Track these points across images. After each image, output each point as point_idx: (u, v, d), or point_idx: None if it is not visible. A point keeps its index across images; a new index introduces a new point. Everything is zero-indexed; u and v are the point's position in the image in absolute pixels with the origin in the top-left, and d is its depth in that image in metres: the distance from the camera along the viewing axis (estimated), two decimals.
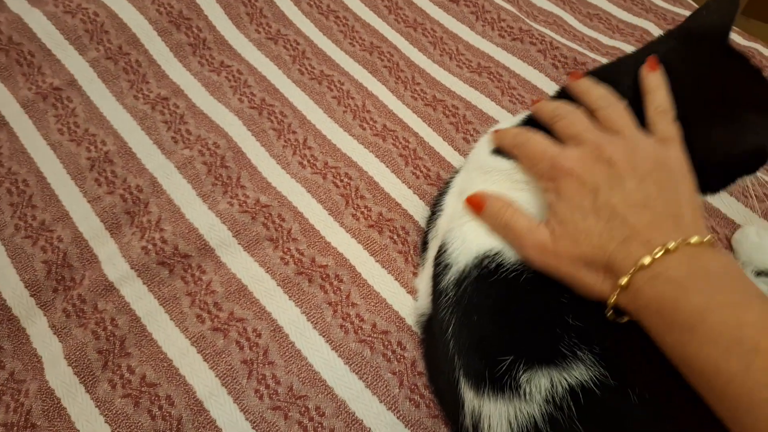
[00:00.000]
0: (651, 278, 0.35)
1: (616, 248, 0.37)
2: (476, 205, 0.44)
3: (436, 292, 0.45)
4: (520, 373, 0.37)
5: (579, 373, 0.36)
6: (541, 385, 0.37)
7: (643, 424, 0.35)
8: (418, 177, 0.61)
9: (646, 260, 0.35)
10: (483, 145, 0.49)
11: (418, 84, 0.70)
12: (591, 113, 0.44)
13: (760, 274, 0.55)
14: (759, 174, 0.63)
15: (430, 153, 0.63)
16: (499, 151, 0.47)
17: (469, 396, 0.40)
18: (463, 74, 0.71)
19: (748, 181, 0.46)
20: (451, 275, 0.43)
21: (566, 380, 0.36)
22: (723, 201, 0.61)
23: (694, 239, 0.36)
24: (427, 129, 0.65)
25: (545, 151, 0.41)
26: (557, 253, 0.39)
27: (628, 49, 0.77)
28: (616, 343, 0.38)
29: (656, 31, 0.80)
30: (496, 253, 0.42)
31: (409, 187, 0.60)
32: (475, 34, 0.76)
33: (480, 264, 0.42)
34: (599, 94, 0.44)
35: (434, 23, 0.77)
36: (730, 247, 0.58)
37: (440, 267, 0.45)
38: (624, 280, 0.36)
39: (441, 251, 0.46)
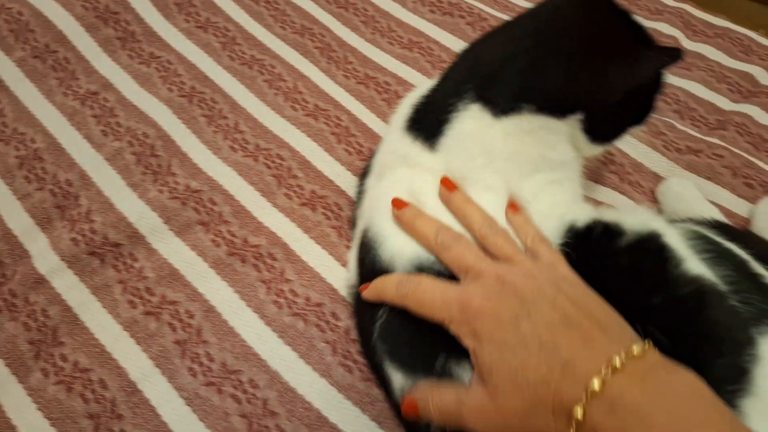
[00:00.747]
0: (609, 409, 0.32)
1: (560, 378, 0.34)
2: (408, 407, 0.40)
3: (365, 276, 0.46)
4: (451, 362, 0.40)
5: None
6: (461, 372, 0.39)
7: None
8: (350, 154, 0.63)
9: (596, 384, 0.32)
10: (399, 118, 0.50)
11: (351, 63, 0.71)
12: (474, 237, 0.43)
13: (699, 223, 0.57)
14: (678, 125, 0.66)
15: (362, 129, 0.65)
16: (415, 128, 0.47)
17: (397, 377, 0.42)
18: (395, 51, 0.73)
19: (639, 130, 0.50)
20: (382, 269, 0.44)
21: None
22: (648, 156, 0.63)
23: (635, 350, 0.34)
24: (359, 106, 0.67)
25: (445, 294, 0.39)
26: (502, 412, 0.35)
27: None
28: None
29: None
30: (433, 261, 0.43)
31: (342, 164, 0.62)
32: (406, 11, 0.77)
33: (418, 261, 0.43)
34: (482, 218, 0.43)
35: (366, 2, 0.78)
36: (655, 200, 0.61)
37: (371, 252, 0.46)
38: (579, 412, 0.32)
39: (369, 238, 0.46)
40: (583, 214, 0.44)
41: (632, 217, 0.44)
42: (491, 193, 0.44)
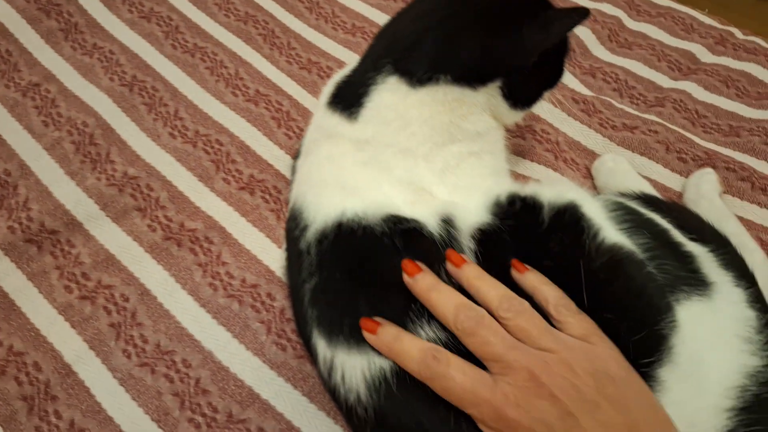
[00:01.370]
0: None
1: None
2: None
3: (296, 252, 0.46)
4: None
5: (432, 334, 0.39)
6: None
7: None
8: (291, 138, 0.64)
9: None
10: (323, 96, 0.51)
11: (294, 49, 0.72)
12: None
13: (624, 195, 0.59)
14: (616, 103, 0.68)
15: (304, 113, 0.66)
16: (337, 103, 0.48)
17: (321, 345, 0.43)
18: (338, 36, 0.74)
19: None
20: (311, 235, 0.45)
21: (428, 335, 0.39)
22: (583, 133, 0.65)
23: None
24: (301, 91, 0.68)
25: (476, 390, 0.36)
26: None
27: None
28: None
29: None
30: (355, 216, 0.43)
31: (281, 148, 0.63)
32: None
33: (340, 226, 0.43)
34: (499, 296, 0.39)
35: None
36: (590, 177, 0.63)
37: (297, 228, 0.47)
38: None
39: (296, 212, 0.47)
40: (503, 188, 0.45)
41: (549, 189, 0.45)
42: (407, 156, 0.45)
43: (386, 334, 0.38)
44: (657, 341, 0.38)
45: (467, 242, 0.42)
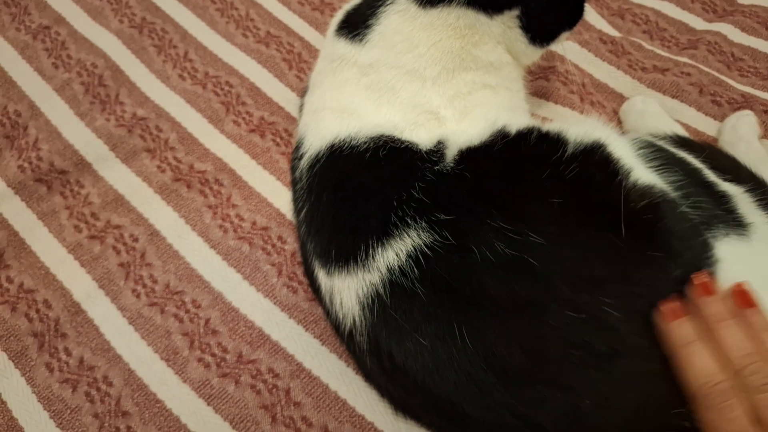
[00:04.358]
0: None
1: None
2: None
3: (293, 181, 0.44)
4: (364, 247, 0.36)
5: (419, 239, 0.35)
6: (385, 256, 0.35)
7: (484, 277, 0.34)
8: (302, 80, 0.59)
9: None
10: (332, 25, 0.46)
11: None
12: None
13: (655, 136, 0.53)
14: (646, 45, 0.60)
15: (316, 55, 0.60)
16: (345, 28, 0.44)
17: (321, 275, 0.40)
18: None
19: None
20: (306, 161, 0.42)
21: (407, 247, 0.35)
22: (611, 75, 0.58)
23: None
24: (313, 33, 0.62)
25: None
26: None
27: None
28: (463, 206, 0.36)
29: None
30: (347, 136, 0.40)
31: (293, 90, 0.58)
32: None
33: (332, 147, 0.40)
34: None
35: None
36: (618, 122, 0.56)
37: (296, 158, 0.44)
38: None
39: (298, 143, 0.44)
40: (517, 121, 0.40)
41: (576, 126, 0.40)
42: (414, 78, 0.40)
43: (683, 333, 0.32)
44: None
45: (451, 159, 0.37)
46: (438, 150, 0.38)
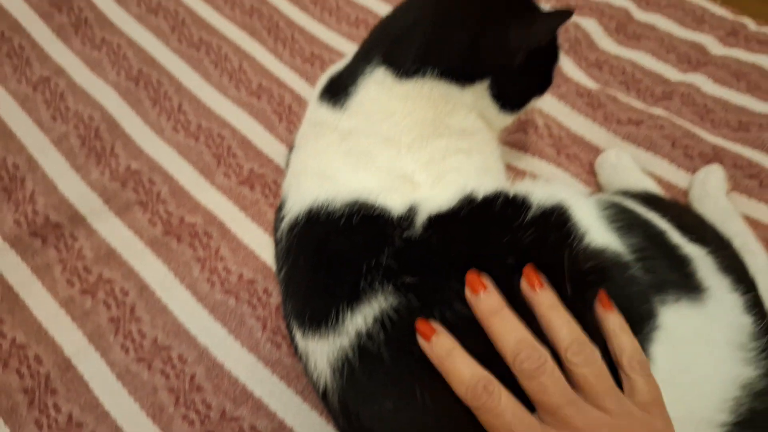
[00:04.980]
0: None
1: None
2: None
3: (275, 241, 0.44)
4: (335, 312, 0.36)
5: (386, 303, 0.35)
6: (354, 320, 0.36)
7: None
8: (291, 132, 0.59)
9: None
10: (316, 89, 0.47)
11: (297, 42, 0.67)
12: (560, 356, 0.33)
13: (624, 194, 0.53)
14: (622, 96, 0.61)
15: (305, 107, 0.60)
16: (326, 94, 0.45)
17: (298, 336, 0.40)
18: (342, 28, 0.68)
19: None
20: (285, 224, 0.42)
21: (375, 312, 0.35)
22: (587, 127, 0.59)
23: None
24: (304, 85, 0.63)
25: None
26: None
27: None
28: (428, 270, 0.37)
29: None
30: (324, 201, 0.40)
31: (282, 142, 0.58)
32: None
33: (309, 212, 0.40)
34: (571, 338, 0.33)
35: None
36: (594, 172, 0.57)
37: (278, 219, 0.44)
38: None
39: (281, 204, 0.45)
40: (486, 185, 0.40)
41: (542, 188, 0.40)
42: (390, 145, 0.41)
43: (440, 346, 0.33)
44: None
45: (420, 226, 0.37)
46: (409, 216, 0.38)
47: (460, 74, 0.41)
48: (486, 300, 0.33)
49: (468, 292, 0.34)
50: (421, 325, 0.33)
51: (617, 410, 0.31)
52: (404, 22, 0.43)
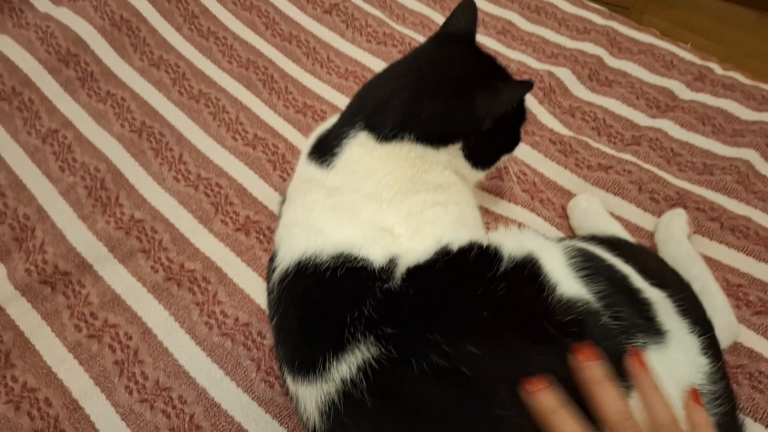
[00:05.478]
0: None
1: None
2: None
3: (267, 290, 0.48)
4: (322, 360, 0.40)
5: (368, 353, 0.39)
6: (339, 368, 0.40)
7: (422, 387, 0.38)
8: (285, 180, 0.64)
9: None
10: (305, 147, 0.51)
11: (291, 93, 0.73)
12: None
13: (591, 239, 0.58)
14: (593, 142, 0.66)
15: (298, 156, 0.66)
16: (315, 153, 0.49)
17: (289, 381, 0.44)
18: (332, 80, 0.74)
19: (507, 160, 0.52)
20: (277, 275, 0.46)
21: (358, 361, 0.39)
22: (559, 173, 0.64)
23: None
24: (296, 134, 0.68)
25: None
26: None
27: (487, 41, 0.80)
28: (406, 321, 0.41)
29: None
30: (312, 253, 0.44)
31: (276, 190, 0.63)
32: (345, 41, 0.78)
33: (299, 264, 0.44)
34: (668, 418, 0.36)
35: (308, 34, 0.79)
36: (566, 216, 0.62)
37: (271, 269, 0.48)
38: None
39: (273, 254, 0.49)
40: (461, 237, 0.45)
41: (512, 239, 0.45)
42: (372, 201, 0.45)
43: (547, 401, 0.35)
44: None
45: (399, 278, 0.42)
46: (389, 268, 0.42)
47: (434, 138, 0.46)
48: (594, 369, 0.36)
49: (577, 360, 0.36)
50: (532, 381, 0.36)
51: None
52: (384, 91, 0.48)
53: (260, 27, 0.80)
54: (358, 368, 0.39)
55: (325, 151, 0.48)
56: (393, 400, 0.38)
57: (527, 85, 0.46)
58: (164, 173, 0.64)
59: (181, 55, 0.76)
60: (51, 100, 0.71)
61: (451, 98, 0.46)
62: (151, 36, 0.77)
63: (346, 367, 0.39)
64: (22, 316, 0.54)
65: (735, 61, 0.84)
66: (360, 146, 0.47)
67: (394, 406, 0.38)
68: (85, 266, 0.57)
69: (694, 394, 0.38)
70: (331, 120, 0.52)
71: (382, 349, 0.39)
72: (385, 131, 0.46)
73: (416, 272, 0.42)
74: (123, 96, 0.71)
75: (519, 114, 0.51)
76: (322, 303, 0.43)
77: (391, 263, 0.43)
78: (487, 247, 0.44)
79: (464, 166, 0.49)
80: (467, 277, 0.42)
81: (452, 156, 0.48)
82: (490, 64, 0.49)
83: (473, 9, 0.51)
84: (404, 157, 0.46)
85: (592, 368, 0.36)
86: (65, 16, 0.77)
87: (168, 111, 0.70)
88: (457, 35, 0.50)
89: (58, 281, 0.56)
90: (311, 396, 0.41)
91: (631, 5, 1.59)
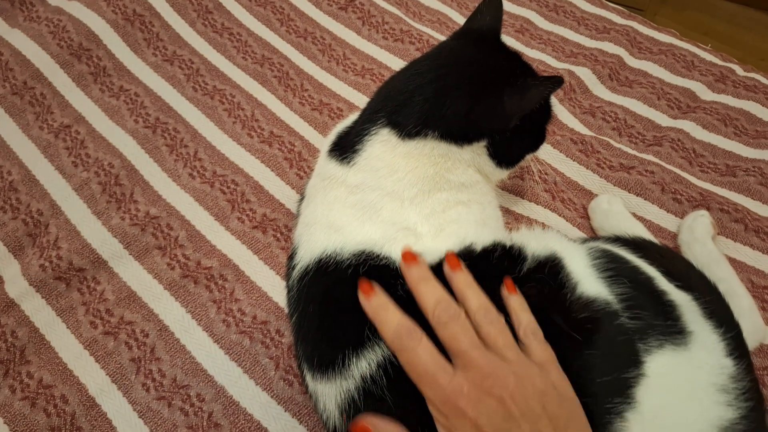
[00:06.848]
0: None
1: None
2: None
3: (286, 287, 0.49)
4: (342, 357, 0.42)
5: (388, 351, 0.40)
6: (360, 365, 0.41)
7: None
8: (302, 177, 0.66)
9: None
10: (325, 145, 0.53)
11: (306, 90, 0.74)
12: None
13: (615, 240, 0.59)
14: (614, 142, 0.68)
15: (314, 154, 0.68)
16: (335, 150, 0.51)
17: (308, 378, 0.45)
18: (349, 78, 0.76)
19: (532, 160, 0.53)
20: (297, 273, 0.47)
21: (378, 357, 0.41)
22: (581, 174, 0.65)
23: None
24: (312, 132, 0.70)
25: (435, 374, 0.38)
26: None
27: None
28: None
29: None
30: (333, 251, 0.46)
31: (293, 188, 0.65)
32: (361, 38, 0.80)
33: (319, 261, 0.46)
34: (479, 304, 0.41)
35: (324, 31, 0.81)
36: (587, 216, 0.63)
37: (290, 267, 0.50)
38: None
39: (292, 252, 0.50)
40: (484, 238, 0.46)
41: (536, 240, 0.46)
42: (393, 199, 0.46)
43: (377, 300, 0.41)
44: (623, 387, 0.39)
45: None
46: None
47: (459, 136, 0.47)
48: (415, 271, 0.42)
49: (402, 264, 0.42)
50: (362, 283, 0.42)
51: (516, 360, 0.39)
52: (407, 86, 0.49)
53: (275, 23, 0.82)
54: (378, 365, 0.40)
55: (345, 148, 0.50)
56: (414, 396, 0.39)
57: (557, 81, 0.47)
58: (179, 170, 0.66)
59: (195, 51, 0.78)
60: (63, 95, 0.73)
61: (478, 95, 0.47)
62: (164, 31, 0.79)
63: (365, 363, 0.41)
64: (37, 312, 0.56)
65: (750, 65, 0.85)
66: (382, 143, 0.48)
67: (414, 401, 0.39)
68: (100, 262, 0.59)
69: (507, 285, 0.42)
70: (352, 117, 0.54)
71: None
72: (408, 128, 0.47)
73: (439, 272, 0.43)
74: (136, 91, 0.73)
75: (545, 112, 0.52)
76: (343, 301, 0.44)
77: None
78: (511, 247, 0.46)
79: (488, 165, 0.50)
80: (491, 277, 0.43)
81: (476, 154, 0.49)
82: (516, 61, 0.50)
83: (498, 5, 0.52)
84: (427, 155, 0.47)
85: (415, 269, 0.42)
86: (77, 10, 0.79)
87: (182, 107, 0.72)
88: (482, 31, 0.51)
89: (72, 277, 0.58)
90: (331, 393, 0.42)
91: (644, 7, 1.62)
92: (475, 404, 0.37)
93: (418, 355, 0.39)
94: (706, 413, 0.39)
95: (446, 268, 0.43)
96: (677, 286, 0.47)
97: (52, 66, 0.74)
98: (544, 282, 0.43)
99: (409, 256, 0.42)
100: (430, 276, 0.42)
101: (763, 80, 0.79)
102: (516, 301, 0.42)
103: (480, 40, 0.51)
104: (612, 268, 0.45)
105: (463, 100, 0.47)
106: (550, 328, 0.41)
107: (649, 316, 0.42)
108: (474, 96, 0.47)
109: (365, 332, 0.41)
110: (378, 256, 0.45)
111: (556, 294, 0.42)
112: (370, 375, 0.40)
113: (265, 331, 0.55)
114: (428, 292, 0.41)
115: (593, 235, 0.62)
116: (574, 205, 0.64)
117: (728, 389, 0.41)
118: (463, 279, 0.43)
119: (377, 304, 0.41)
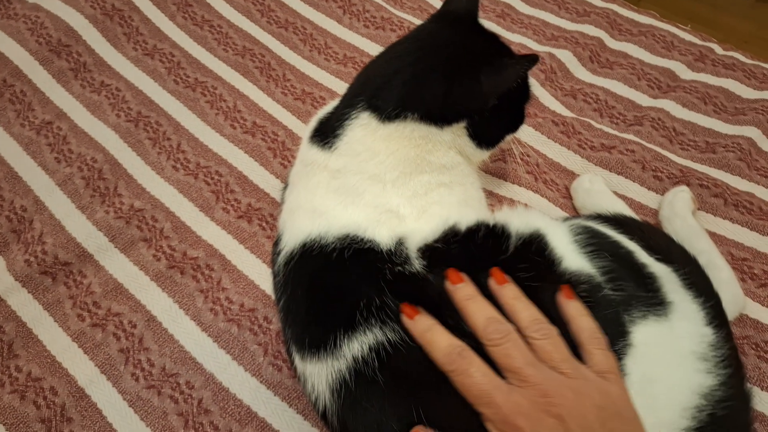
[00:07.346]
0: None
1: None
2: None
3: (272, 273, 0.51)
4: (333, 338, 0.43)
5: (381, 335, 0.41)
6: (350, 346, 0.42)
7: (429, 374, 0.40)
8: (285, 167, 0.67)
9: None
10: (307, 131, 0.54)
11: (289, 80, 0.75)
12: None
13: (596, 218, 0.61)
14: (596, 123, 0.69)
15: (298, 143, 0.68)
16: (317, 136, 0.52)
17: (297, 360, 0.46)
18: (331, 66, 0.77)
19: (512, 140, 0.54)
20: (282, 257, 0.49)
21: (370, 341, 0.41)
22: (562, 154, 0.67)
23: None
24: (296, 121, 0.71)
25: (491, 394, 0.38)
26: None
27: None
28: (420, 303, 0.43)
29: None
30: (317, 235, 0.47)
31: (277, 177, 0.66)
32: (342, 27, 0.81)
33: (304, 246, 0.47)
34: (531, 318, 0.41)
35: (304, 21, 0.82)
36: (570, 196, 0.65)
37: (275, 252, 0.51)
38: None
39: (278, 239, 0.52)
40: (467, 218, 0.47)
41: (518, 218, 0.48)
42: (375, 182, 0.47)
43: (421, 322, 0.41)
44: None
45: (414, 257, 0.44)
46: (398, 251, 0.45)
47: (438, 117, 0.48)
48: (463, 289, 0.42)
49: (448, 284, 0.42)
50: (405, 307, 0.41)
51: (574, 373, 0.39)
52: (386, 70, 0.50)
53: (255, 14, 0.83)
54: (370, 348, 0.41)
55: (327, 133, 0.51)
56: (406, 378, 0.41)
57: (532, 59, 0.48)
58: (163, 162, 0.67)
59: (176, 44, 0.78)
60: (44, 91, 0.73)
61: (455, 76, 0.48)
62: (144, 25, 0.80)
63: (357, 345, 0.42)
64: (24, 307, 0.57)
65: (729, 45, 0.87)
66: (362, 127, 0.49)
67: (407, 383, 0.40)
68: (85, 256, 0.60)
69: (566, 290, 0.42)
70: (333, 103, 0.55)
71: (396, 332, 0.41)
72: (388, 111, 0.48)
73: (427, 254, 0.44)
74: (117, 86, 0.74)
75: (523, 92, 0.54)
76: (330, 283, 0.45)
77: (399, 245, 0.45)
78: (494, 225, 0.47)
79: (469, 146, 0.51)
80: (478, 256, 0.45)
81: (456, 135, 0.50)
82: (493, 42, 0.52)
83: None
84: (408, 137, 0.48)
85: (462, 288, 0.42)
86: (55, 6, 0.80)
87: (164, 100, 0.72)
88: (459, 13, 0.52)
89: (58, 272, 0.59)
90: (321, 374, 0.43)
91: None
92: (533, 423, 0.37)
93: (472, 375, 0.39)
94: (687, 380, 0.41)
95: (492, 283, 0.43)
96: (657, 259, 0.48)
97: (32, 63, 0.75)
98: (529, 258, 0.44)
99: (455, 275, 0.42)
100: (476, 294, 0.42)
101: (742, 58, 0.81)
102: (574, 308, 0.42)
103: (457, 21, 0.52)
104: (593, 243, 0.47)
105: (441, 81, 0.48)
106: (541, 305, 0.42)
107: (631, 287, 0.44)
108: (451, 76, 0.48)
109: (357, 317, 0.42)
110: (362, 239, 0.46)
111: (543, 269, 0.43)
112: (362, 357, 0.41)
113: (253, 319, 0.56)
114: (477, 311, 0.41)
115: (576, 215, 0.63)
116: (557, 185, 0.65)
117: (708, 357, 0.42)
118: (511, 292, 0.42)
119: (423, 326, 0.41)
